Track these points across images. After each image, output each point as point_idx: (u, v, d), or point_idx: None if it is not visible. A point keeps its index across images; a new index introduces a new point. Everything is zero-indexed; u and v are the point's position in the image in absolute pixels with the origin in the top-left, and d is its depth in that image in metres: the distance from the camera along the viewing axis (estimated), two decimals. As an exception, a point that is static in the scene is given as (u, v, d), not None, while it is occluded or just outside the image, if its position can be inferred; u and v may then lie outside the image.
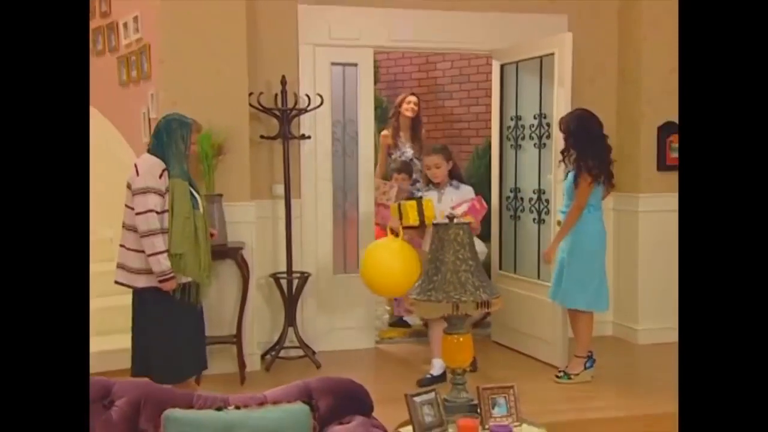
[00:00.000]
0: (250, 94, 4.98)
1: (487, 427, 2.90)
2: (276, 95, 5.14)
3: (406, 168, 5.74)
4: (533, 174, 5.26)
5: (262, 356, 5.14)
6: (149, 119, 5.21)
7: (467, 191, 4.78)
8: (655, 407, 4.18)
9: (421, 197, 4.75)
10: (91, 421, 2.49)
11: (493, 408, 2.99)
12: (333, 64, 5.44)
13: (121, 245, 3.83)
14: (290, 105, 5.14)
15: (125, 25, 5.58)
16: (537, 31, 5.34)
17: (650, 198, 5.53)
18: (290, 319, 5.15)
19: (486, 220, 5.56)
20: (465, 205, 4.57)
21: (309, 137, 5.30)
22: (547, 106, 5.09)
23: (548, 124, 5.08)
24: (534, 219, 5.26)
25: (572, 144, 4.58)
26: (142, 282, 3.78)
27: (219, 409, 2.57)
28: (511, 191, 5.51)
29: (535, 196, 5.24)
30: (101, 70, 5.81)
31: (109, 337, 4.72)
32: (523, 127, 5.38)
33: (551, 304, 4.87)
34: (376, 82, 5.99)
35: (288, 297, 5.16)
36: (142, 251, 3.72)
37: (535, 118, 5.24)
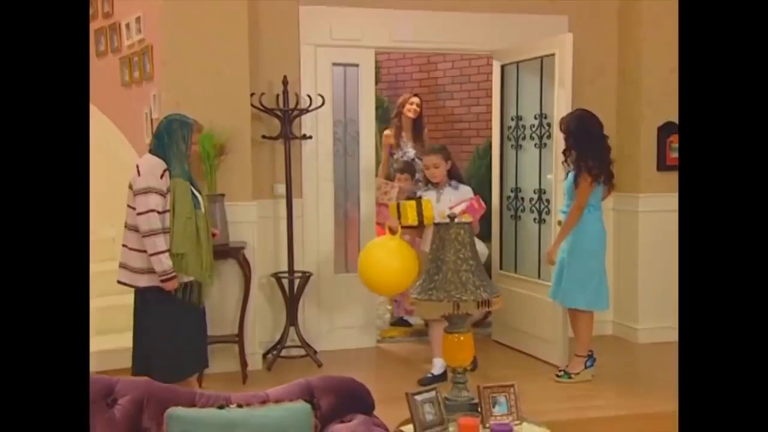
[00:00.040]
0: (252, 94, 4.99)
1: (487, 425, 2.91)
2: (277, 95, 5.16)
3: (408, 168, 5.75)
4: (534, 174, 5.28)
5: (264, 355, 5.15)
6: (151, 120, 5.22)
7: (466, 191, 4.79)
8: (655, 406, 4.19)
9: (420, 197, 4.75)
10: (94, 419, 2.51)
11: (493, 407, 3.00)
12: (334, 64, 5.45)
13: (124, 245, 3.86)
14: (292, 105, 5.16)
15: (128, 25, 5.59)
16: (537, 32, 5.36)
17: (650, 198, 5.54)
18: (292, 319, 5.17)
19: (486, 220, 5.58)
20: (463, 204, 4.58)
21: (310, 137, 5.32)
22: (547, 107, 5.11)
23: (549, 125, 5.10)
24: (534, 219, 5.28)
25: (572, 144, 4.59)
26: (144, 281, 3.80)
27: (221, 407, 2.58)
28: (511, 191, 5.53)
29: (535, 196, 5.26)
30: (104, 70, 5.83)
31: (111, 336, 4.74)
32: (523, 127, 5.39)
33: (552, 304, 4.88)
34: (377, 82, 6.01)
35: (289, 296, 5.18)
36: (144, 251, 3.75)
37: (535, 118, 5.25)
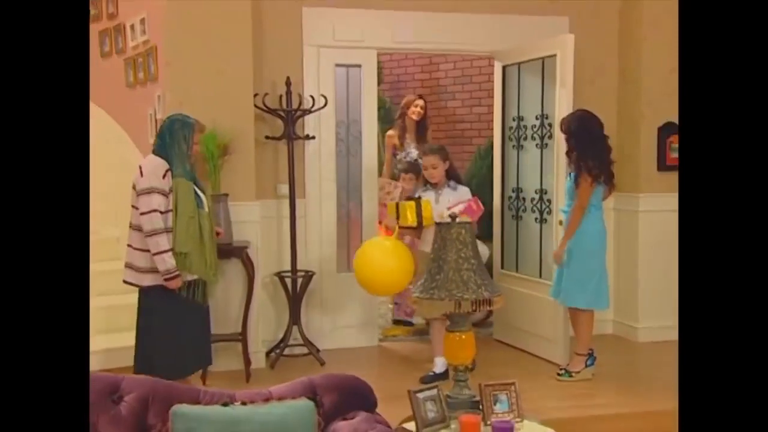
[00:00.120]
0: (255, 95, 5.02)
1: (488, 423, 2.92)
2: (281, 96, 5.18)
3: (413, 168, 5.77)
4: (535, 174, 5.30)
5: (267, 354, 5.18)
6: (156, 120, 5.25)
7: (464, 192, 4.79)
8: (655, 404, 4.21)
9: (419, 197, 4.76)
10: (100, 416, 2.53)
11: (494, 404, 3.02)
12: (337, 65, 5.48)
13: (128, 245, 3.89)
14: (295, 106, 5.18)
15: (132, 27, 5.62)
16: (538, 33, 5.38)
17: (650, 198, 5.57)
18: (295, 317, 5.20)
19: (487, 220, 5.61)
20: (462, 205, 4.57)
21: (313, 137, 5.35)
22: (548, 107, 5.13)
23: (550, 125, 5.12)
24: (536, 219, 5.30)
25: (573, 144, 4.61)
26: (148, 281, 3.83)
27: (225, 404, 2.60)
28: (513, 191, 5.55)
29: (537, 196, 5.28)
30: (108, 71, 5.86)
31: (116, 335, 4.77)
32: (525, 127, 5.42)
33: (553, 303, 4.91)
34: (379, 83, 6.03)
35: (292, 295, 5.20)
36: (148, 250, 3.77)
37: (536, 118, 5.27)
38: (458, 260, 3.03)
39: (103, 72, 5.88)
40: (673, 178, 4.98)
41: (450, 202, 4.67)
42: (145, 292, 3.88)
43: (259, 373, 4.85)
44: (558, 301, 4.81)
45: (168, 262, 3.74)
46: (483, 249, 4.99)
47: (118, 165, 5.64)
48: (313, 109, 5.23)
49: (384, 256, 4.70)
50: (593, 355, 4.73)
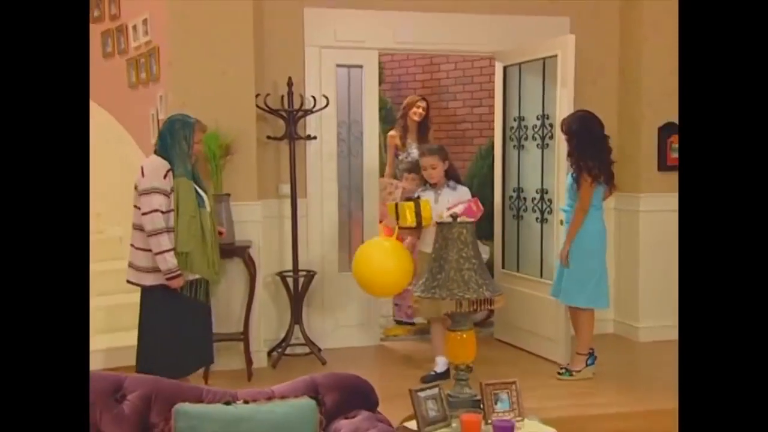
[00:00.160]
0: (257, 95, 5.04)
1: (489, 421, 2.93)
2: (282, 96, 5.20)
3: (415, 168, 5.77)
4: (536, 174, 5.31)
5: (269, 353, 5.20)
6: (158, 120, 5.27)
7: (464, 192, 4.79)
8: (655, 403, 4.22)
9: (418, 197, 4.76)
10: (103, 414, 2.54)
11: (495, 403, 3.04)
12: (338, 65, 5.49)
13: (131, 245, 3.92)
14: (296, 106, 5.20)
15: (134, 27, 5.63)
16: (539, 33, 5.40)
17: (651, 198, 5.58)
18: (296, 317, 5.21)
19: (488, 220, 5.63)
20: (461, 206, 4.57)
21: (315, 138, 5.37)
22: (549, 107, 5.14)
23: (551, 125, 5.13)
24: (537, 218, 5.31)
25: (574, 145, 4.62)
26: (149, 280, 3.85)
27: (228, 403, 2.61)
28: (513, 191, 5.56)
29: (537, 196, 5.29)
30: (110, 72, 5.88)
31: (119, 334, 4.80)
32: (525, 127, 5.43)
33: (553, 302, 4.92)
34: (380, 83, 6.04)
35: (294, 295, 5.22)
36: (150, 250, 3.80)
37: (537, 118, 5.29)
38: (459, 260, 3.05)
39: (106, 72, 5.90)
40: (674, 178, 4.99)
41: (449, 202, 4.68)
42: (147, 292, 3.90)
43: (260, 373, 4.87)
44: (558, 299, 4.82)
45: (169, 261, 3.76)
46: (482, 249, 5.02)
47: (121, 165, 5.66)
48: (314, 109, 5.24)
49: (383, 257, 4.70)
50: (594, 355, 4.75)
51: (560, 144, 4.89)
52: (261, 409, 2.60)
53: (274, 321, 5.37)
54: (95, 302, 5.04)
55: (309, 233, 5.45)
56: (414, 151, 6.02)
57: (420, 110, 6.04)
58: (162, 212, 3.77)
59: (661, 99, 5.49)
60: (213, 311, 4.19)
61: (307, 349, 5.20)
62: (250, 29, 4.95)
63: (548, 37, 5.22)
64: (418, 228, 4.70)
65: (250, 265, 4.87)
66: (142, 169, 3.86)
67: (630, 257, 5.69)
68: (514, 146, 5.55)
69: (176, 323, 3.88)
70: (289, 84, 5.17)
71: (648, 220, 5.59)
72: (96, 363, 4.46)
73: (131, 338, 3.99)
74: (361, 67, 5.56)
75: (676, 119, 5.12)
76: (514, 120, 5.54)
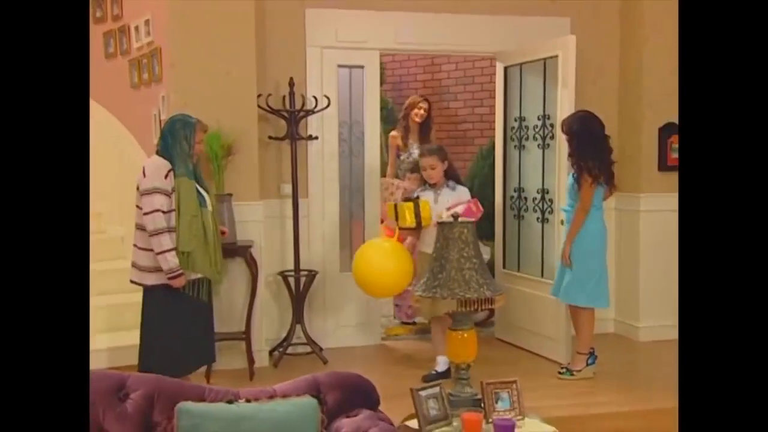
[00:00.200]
0: (259, 95, 5.05)
1: (490, 420, 2.94)
2: (284, 97, 5.22)
3: (418, 168, 5.77)
4: (537, 174, 5.32)
5: (270, 352, 5.22)
6: (160, 121, 5.28)
7: (463, 192, 4.78)
8: (655, 403, 4.23)
9: (418, 197, 4.75)
10: (106, 413, 2.56)
11: (496, 402, 3.04)
12: (340, 66, 5.51)
13: (134, 245, 3.93)
14: (298, 106, 5.21)
15: (136, 28, 5.65)
16: (540, 34, 5.42)
17: (651, 198, 5.59)
18: (298, 316, 5.23)
19: (489, 220, 5.64)
20: (461, 207, 4.57)
21: (316, 138, 5.38)
22: (550, 107, 5.15)
23: (552, 125, 5.14)
24: (538, 218, 5.33)
25: (575, 145, 4.63)
26: (151, 280, 3.87)
27: (230, 402, 2.62)
28: (514, 191, 5.58)
29: (538, 196, 5.31)
30: (113, 72, 5.90)
31: (122, 333, 4.82)
32: (526, 128, 5.44)
33: (554, 302, 4.93)
34: (381, 83, 6.05)
35: (295, 294, 5.23)
36: (151, 250, 3.81)
37: (538, 119, 5.30)
38: (460, 259, 3.06)
39: (108, 73, 5.92)
40: (674, 178, 5.01)
41: (449, 202, 4.68)
42: (149, 291, 3.92)
43: (262, 372, 4.88)
44: (559, 299, 4.83)
45: (171, 261, 3.78)
46: (483, 250, 5.02)
47: (123, 165, 5.68)
48: (316, 109, 5.26)
49: (382, 258, 4.71)
50: (594, 354, 4.76)
51: (561, 144, 4.90)
52: (263, 407, 2.61)
53: (275, 320, 5.38)
54: (98, 302, 5.07)
55: (310, 233, 5.46)
56: (415, 152, 6.03)
57: (422, 111, 6.05)
58: (163, 212, 3.79)
59: (661, 99, 5.50)
60: (215, 311, 4.21)
61: (308, 349, 5.21)
62: (252, 30, 4.96)
63: (549, 38, 5.24)
64: (418, 228, 4.71)
65: (252, 265, 4.88)
66: (143, 169, 3.88)
67: (630, 257, 5.70)
68: (515, 146, 5.56)
69: (178, 322, 3.89)
70: (291, 84, 5.19)
71: (648, 220, 5.60)
72: (100, 362, 4.48)
73: (134, 337, 4.00)
74: (362, 67, 5.57)
75: (676, 119, 5.13)
76: (515, 120, 5.55)
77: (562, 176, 4.95)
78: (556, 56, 5.03)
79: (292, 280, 5.23)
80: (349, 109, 5.65)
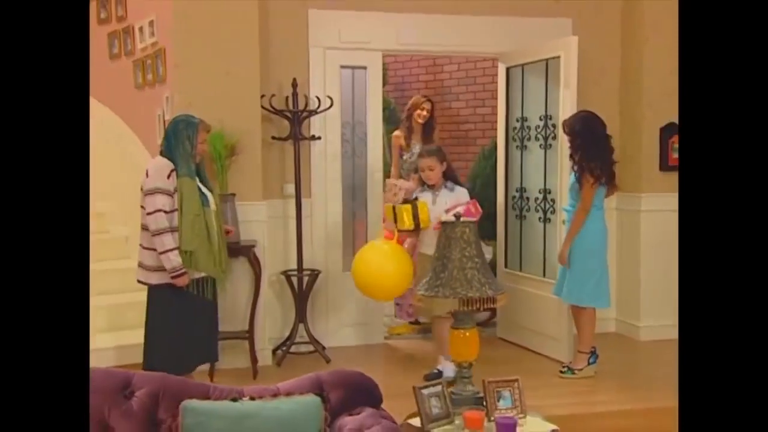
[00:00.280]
0: (262, 96, 5.08)
1: (492, 419, 2.95)
2: (287, 97, 5.23)
3: None
4: (539, 174, 5.34)
5: (274, 351, 5.23)
6: (164, 121, 5.30)
7: (462, 193, 4.76)
8: (655, 402, 4.25)
9: (416, 198, 4.75)
10: (112, 411, 2.57)
11: (498, 401, 3.05)
12: (342, 66, 5.53)
13: (140, 245, 3.96)
14: (301, 107, 5.24)
15: (141, 29, 5.67)
16: (541, 35, 5.43)
17: (652, 198, 5.61)
18: (301, 315, 5.25)
19: (491, 220, 5.67)
20: (460, 209, 4.53)
21: (319, 138, 5.41)
22: (552, 108, 5.17)
23: (554, 126, 5.16)
24: (540, 218, 5.34)
25: (577, 145, 4.64)
26: (155, 279, 3.89)
27: (234, 399, 2.63)
28: (516, 191, 5.59)
29: (540, 196, 5.33)
30: (117, 73, 5.92)
31: (127, 332, 4.84)
32: (528, 128, 5.46)
33: (556, 301, 4.95)
34: (384, 84, 6.07)
35: (298, 294, 5.26)
36: (155, 249, 3.84)
37: (540, 119, 5.32)
38: (462, 259, 3.08)
39: (112, 74, 5.95)
40: (675, 178, 5.02)
41: (447, 203, 4.66)
42: (153, 290, 3.94)
43: (265, 371, 4.90)
44: (560, 298, 4.85)
45: (173, 260, 3.80)
46: (485, 250, 5.03)
47: (127, 166, 5.71)
48: (318, 110, 5.28)
49: (382, 261, 4.71)
50: (596, 353, 4.78)
51: (563, 144, 4.91)
52: (267, 405, 2.62)
53: (278, 319, 5.40)
54: (103, 301, 5.11)
55: (313, 233, 5.49)
56: (418, 152, 6.04)
57: (424, 112, 6.04)
58: (165, 212, 3.81)
59: (662, 99, 5.51)
60: (218, 310, 4.22)
61: (311, 348, 5.23)
62: (255, 31, 4.99)
63: (550, 39, 5.26)
64: (416, 230, 4.70)
65: (255, 265, 4.90)
66: (147, 170, 3.91)
67: (631, 257, 5.72)
68: (517, 147, 5.58)
69: (182, 321, 3.91)
70: (294, 85, 5.21)
71: (649, 219, 5.62)
72: (106, 361, 4.51)
73: (139, 336, 4.03)
74: (365, 68, 5.60)
75: (677, 119, 5.15)
76: (517, 121, 5.57)
77: (564, 176, 4.97)
78: (559, 57, 5.04)
79: (295, 280, 5.26)
80: (351, 110, 5.67)
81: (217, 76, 4.89)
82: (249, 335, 4.87)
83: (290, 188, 5.31)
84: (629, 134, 5.72)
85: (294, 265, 5.31)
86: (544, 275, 5.26)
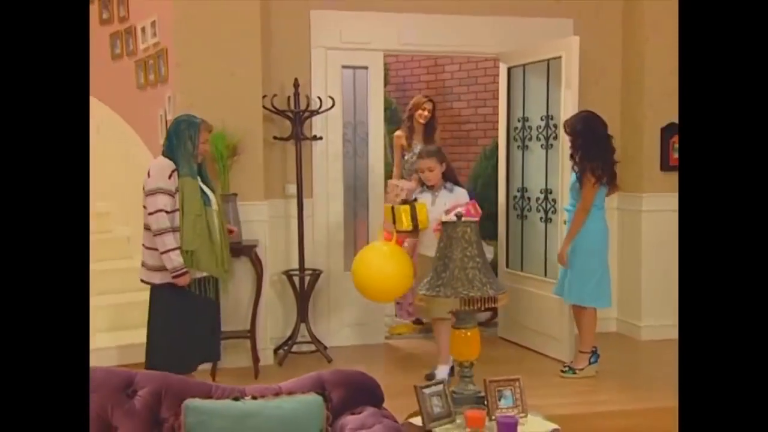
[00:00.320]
0: (264, 96, 5.09)
1: (493, 418, 2.96)
2: (289, 97, 5.24)
3: None
4: (540, 174, 5.35)
5: (275, 351, 5.24)
6: (166, 121, 5.31)
7: (461, 194, 4.73)
8: (657, 401, 4.25)
9: (415, 199, 4.73)
10: (114, 410, 2.59)
11: (499, 400, 3.06)
12: (344, 67, 5.54)
13: (143, 245, 3.97)
14: (302, 107, 5.24)
15: (143, 29, 5.68)
16: (543, 35, 5.44)
17: (653, 198, 5.61)
18: (302, 315, 5.26)
19: (492, 220, 5.67)
20: (460, 209, 4.49)
21: (321, 138, 5.41)
22: (553, 108, 5.18)
23: (555, 126, 5.17)
24: (541, 218, 5.35)
25: (579, 145, 4.64)
26: (157, 278, 3.90)
27: (236, 399, 2.64)
28: (518, 191, 5.60)
29: (542, 196, 5.33)
30: (119, 73, 5.93)
31: (130, 331, 4.85)
32: (530, 128, 5.47)
33: (557, 301, 4.96)
34: (385, 84, 6.08)
35: (300, 293, 5.27)
36: (157, 249, 3.85)
37: (542, 119, 5.33)
38: (463, 258, 3.09)
39: (115, 74, 5.96)
40: (676, 178, 4.99)
41: (447, 204, 4.62)
42: (156, 290, 3.95)
43: (267, 370, 4.92)
44: (561, 298, 4.85)
45: (174, 260, 3.81)
46: (486, 250, 5.03)
47: (129, 166, 5.72)
48: (320, 110, 5.29)
49: (382, 262, 4.71)
50: (597, 353, 4.78)
51: (564, 144, 4.92)
52: (269, 404, 2.63)
53: (280, 319, 5.41)
54: (105, 301, 5.12)
55: (315, 233, 5.50)
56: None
57: (426, 112, 6.03)
58: (167, 212, 3.82)
59: (662, 99, 5.52)
60: (220, 309, 4.23)
61: (312, 347, 5.24)
62: (257, 31, 5.00)
63: (552, 39, 5.26)
64: (415, 231, 4.68)
65: (257, 264, 4.91)
66: (149, 170, 3.92)
67: (632, 257, 5.72)
68: (518, 147, 5.59)
69: (184, 320, 3.92)
70: (296, 85, 5.22)
71: (650, 219, 5.62)
72: (109, 360, 4.52)
73: (141, 336, 4.04)
74: (366, 68, 5.61)
75: (677, 119, 5.15)
76: (518, 121, 5.57)
77: (565, 176, 4.97)
78: (560, 57, 5.05)
79: (296, 280, 5.27)
80: (353, 110, 5.68)
81: (219, 76, 4.90)
82: (251, 335, 4.88)
83: (292, 188, 5.33)
84: (630, 134, 5.73)
85: (295, 265, 5.32)
86: (545, 275, 5.26)
